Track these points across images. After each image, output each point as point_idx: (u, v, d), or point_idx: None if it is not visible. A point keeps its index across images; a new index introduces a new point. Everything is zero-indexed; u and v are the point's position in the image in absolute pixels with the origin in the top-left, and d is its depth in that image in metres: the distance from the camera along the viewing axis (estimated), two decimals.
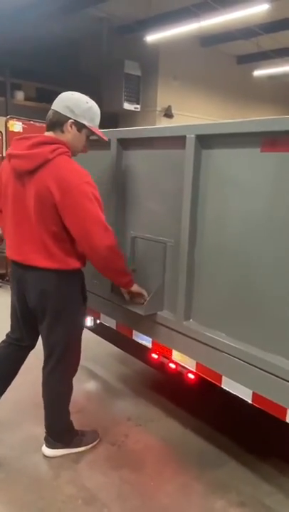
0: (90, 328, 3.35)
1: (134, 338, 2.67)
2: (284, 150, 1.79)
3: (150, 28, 8.42)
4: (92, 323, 3.31)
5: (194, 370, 2.31)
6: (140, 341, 2.63)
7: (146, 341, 2.59)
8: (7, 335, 2.67)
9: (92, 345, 3.67)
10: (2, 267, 6.14)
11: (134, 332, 2.66)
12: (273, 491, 2.40)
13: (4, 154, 5.67)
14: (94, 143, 2.84)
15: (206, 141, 2.10)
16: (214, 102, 11.00)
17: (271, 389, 1.89)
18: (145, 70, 9.59)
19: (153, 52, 9.41)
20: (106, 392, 3.38)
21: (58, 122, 2.26)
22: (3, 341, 2.67)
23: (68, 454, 2.60)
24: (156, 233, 2.46)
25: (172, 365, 2.60)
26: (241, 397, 2.04)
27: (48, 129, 2.29)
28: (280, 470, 2.54)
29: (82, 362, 3.74)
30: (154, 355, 2.74)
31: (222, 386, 2.13)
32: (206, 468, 2.56)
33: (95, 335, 3.33)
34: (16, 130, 5.82)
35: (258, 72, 11.09)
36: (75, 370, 2.61)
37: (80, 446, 2.65)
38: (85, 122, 2.27)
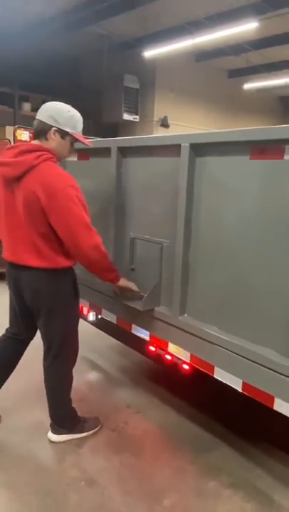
0: (92, 323, 3.36)
1: (133, 331, 2.67)
2: (271, 157, 1.80)
3: (147, 45, 8.43)
4: (94, 318, 3.31)
5: (189, 362, 2.31)
6: (139, 334, 2.63)
7: (144, 334, 2.59)
8: (6, 329, 2.66)
9: (94, 338, 3.69)
10: (2, 266, 6.11)
11: (133, 326, 2.66)
12: (263, 475, 2.40)
13: None
14: (96, 151, 2.85)
15: (200, 149, 2.10)
16: (207, 113, 11.01)
17: (260, 378, 1.90)
18: (143, 83, 9.60)
19: (150, 67, 9.42)
20: (107, 382, 3.38)
21: (42, 131, 2.26)
22: (2, 335, 2.66)
23: (72, 440, 2.60)
24: (154, 234, 2.46)
25: (168, 357, 2.60)
26: (232, 386, 2.04)
27: (35, 137, 2.30)
28: (269, 455, 2.54)
29: (84, 353, 3.76)
30: (152, 348, 2.74)
31: (214, 376, 2.13)
32: (199, 452, 2.56)
33: (97, 329, 3.34)
34: (23, 139, 5.81)
35: (247, 86, 11.09)
36: (74, 361, 2.60)
37: (82, 432, 2.64)
38: (68, 129, 2.27)
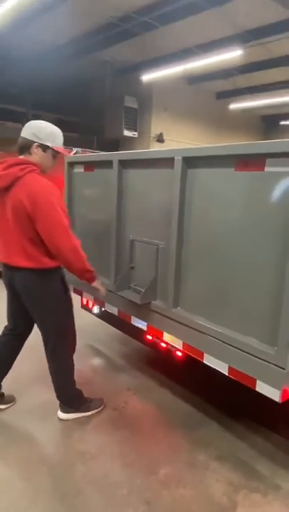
0: (97, 315, 3.36)
1: (133, 322, 2.66)
2: (253, 169, 1.80)
3: (145, 70, 8.43)
4: (99, 311, 3.31)
5: (181, 349, 2.30)
6: (137, 325, 2.63)
7: (142, 325, 2.59)
8: (5, 327, 2.63)
9: (98, 328, 3.69)
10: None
11: (132, 318, 2.65)
12: (246, 447, 2.41)
13: None
14: (100, 164, 2.85)
15: (191, 162, 2.10)
16: (198, 130, 11.00)
17: (243, 363, 1.90)
18: (141, 104, 9.59)
19: (147, 89, 9.41)
20: (109, 367, 3.37)
21: (25, 146, 2.25)
22: (1, 332, 2.63)
23: (79, 418, 2.60)
24: (151, 237, 2.46)
25: (163, 345, 2.60)
26: (219, 370, 2.04)
27: (19, 153, 2.29)
28: (252, 431, 2.54)
29: (89, 342, 3.76)
30: (149, 337, 2.74)
31: (204, 361, 2.13)
32: (190, 429, 2.56)
33: (101, 320, 3.34)
34: None
35: (233, 106, 11.10)
36: (73, 349, 2.55)
37: (88, 411, 2.64)
38: (48, 143, 2.26)
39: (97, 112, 9.51)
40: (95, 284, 2.43)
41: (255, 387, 1.86)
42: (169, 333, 2.37)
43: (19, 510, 1.95)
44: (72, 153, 3.09)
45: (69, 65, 8.28)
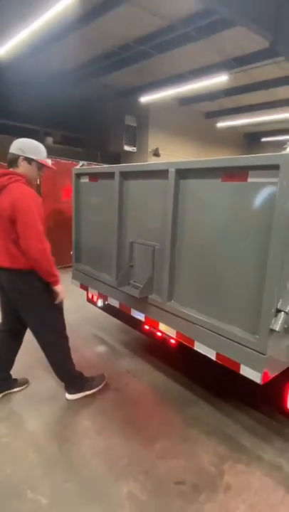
0: (101, 308, 3.35)
1: (132, 314, 2.66)
2: (238, 180, 1.80)
3: (143, 92, 8.45)
4: (102, 304, 3.30)
5: (175, 337, 2.30)
6: (136, 316, 2.63)
7: (140, 316, 2.58)
8: (0, 324, 2.54)
9: (102, 319, 3.69)
10: None
11: (132, 310, 2.65)
12: (231, 423, 2.41)
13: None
14: (103, 175, 2.85)
15: (183, 173, 2.10)
16: (189, 146, 11.02)
17: (229, 350, 1.90)
18: (140, 122, 9.61)
19: (145, 109, 9.43)
20: (111, 353, 3.37)
21: (13, 160, 2.26)
22: None
23: (85, 397, 2.59)
24: (148, 239, 2.45)
25: (159, 334, 2.60)
26: (208, 355, 2.04)
27: (9, 166, 2.29)
28: (237, 408, 2.55)
29: (94, 331, 3.75)
30: (146, 327, 2.74)
31: (195, 348, 2.13)
32: (183, 407, 2.56)
33: (104, 312, 3.33)
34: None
35: (219, 124, 11.13)
36: (64, 338, 2.47)
37: (92, 389, 2.62)
38: (33, 156, 2.27)
39: (101, 129, 9.52)
40: (58, 287, 2.31)
41: (239, 370, 1.86)
42: (164, 323, 2.37)
43: (34, 477, 1.95)
44: (78, 166, 3.08)
45: (76, 88, 8.29)
